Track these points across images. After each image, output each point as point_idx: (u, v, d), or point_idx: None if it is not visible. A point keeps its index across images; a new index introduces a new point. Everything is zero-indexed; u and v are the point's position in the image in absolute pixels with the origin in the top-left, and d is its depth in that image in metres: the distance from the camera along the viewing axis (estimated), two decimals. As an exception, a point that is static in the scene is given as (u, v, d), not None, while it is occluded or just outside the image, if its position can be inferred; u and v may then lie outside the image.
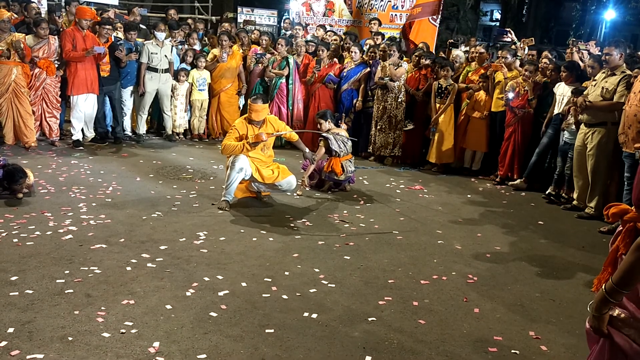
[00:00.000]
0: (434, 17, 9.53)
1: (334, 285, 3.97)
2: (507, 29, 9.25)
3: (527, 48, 8.24)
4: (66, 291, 3.59)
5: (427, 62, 7.99)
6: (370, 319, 3.51)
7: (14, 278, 3.71)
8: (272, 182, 5.64)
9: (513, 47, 8.27)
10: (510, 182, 7.17)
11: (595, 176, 6.04)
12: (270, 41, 9.18)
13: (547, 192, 6.71)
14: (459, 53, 8.37)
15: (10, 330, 3.09)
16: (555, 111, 6.67)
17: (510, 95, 7.10)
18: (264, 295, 3.74)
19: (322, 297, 3.79)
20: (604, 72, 5.98)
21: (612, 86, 5.79)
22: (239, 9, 14.48)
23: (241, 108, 9.03)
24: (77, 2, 9.04)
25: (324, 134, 6.39)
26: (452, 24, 24.63)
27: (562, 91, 6.58)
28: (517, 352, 3.27)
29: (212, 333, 3.22)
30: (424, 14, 9.39)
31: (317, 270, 4.22)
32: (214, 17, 14.36)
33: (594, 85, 6.00)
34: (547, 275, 4.48)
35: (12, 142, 7.31)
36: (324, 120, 6.55)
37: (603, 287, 1.89)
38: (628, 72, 5.82)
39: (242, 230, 4.99)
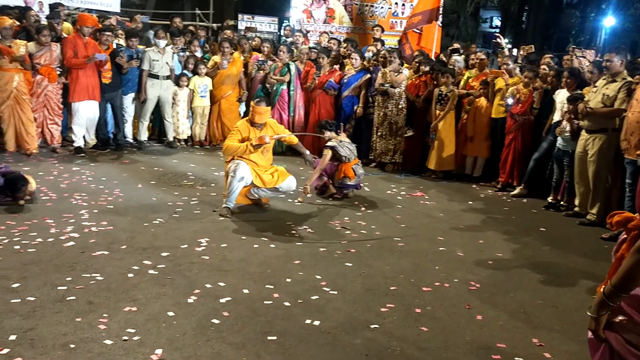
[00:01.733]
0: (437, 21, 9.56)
1: (335, 292, 3.96)
2: (496, 34, 9.34)
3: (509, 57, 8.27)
4: (68, 298, 3.58)
5: (427, 68, 8.02)
6: (372, 326, 3.50)
7: (15, 285, 3.71)
8: (273, 186, 5.65)
9: (503, 51, 8.29)
10: (512, 193, 7.14)
11: (597, 182, 6.04)
12: (271, 48, 9.21)
13: (548, 200, 6.69)
14: (457, 58, 8.39)
15: (12, 337, 3.08)
16: (555, 118, 6.66)
17: (510, 101, 7.10)
18: (265, 302, 3.74)
19: (323, 304, 3.78)
20: (604, 79, 5.99)
21: (613, 93, 5.79)
22: (240, 16, 14.56)
23: (242, 115, 9.05)
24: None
25: (329, 144, 6.42)
26: (452, 30, 24.72)
27: (563, 98, 6.57)
28: (521, 359, 3.25)
29: (214, 340, 3.21)
30: (424, 22, 9.43)
31: (318, 277, 4.21)
32: (214, 25, 14.43)
33: (595, 92, 6.01)
34: (550, 282, 4.47)
35: (14, 149, 7.32)
36: (325, 131, 6.59)
37: (602, 290, 1.90)
38: (629, 78, 5.83)
39: (243, 237, 4.98)
